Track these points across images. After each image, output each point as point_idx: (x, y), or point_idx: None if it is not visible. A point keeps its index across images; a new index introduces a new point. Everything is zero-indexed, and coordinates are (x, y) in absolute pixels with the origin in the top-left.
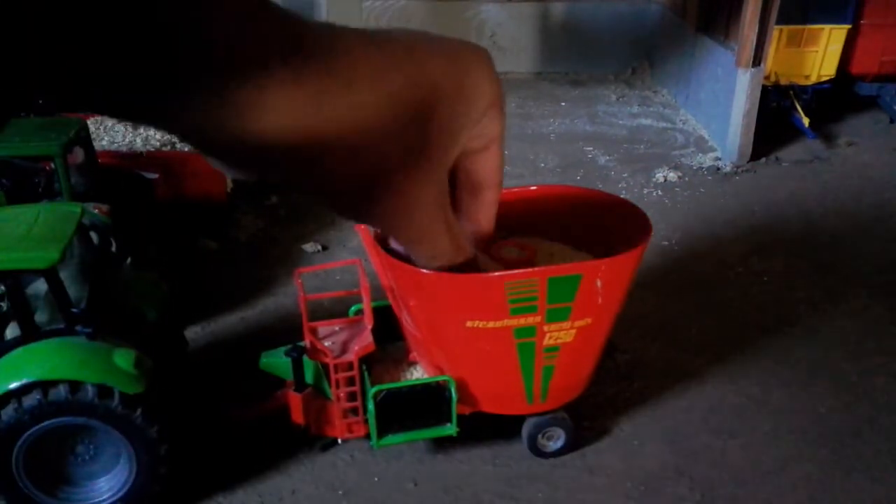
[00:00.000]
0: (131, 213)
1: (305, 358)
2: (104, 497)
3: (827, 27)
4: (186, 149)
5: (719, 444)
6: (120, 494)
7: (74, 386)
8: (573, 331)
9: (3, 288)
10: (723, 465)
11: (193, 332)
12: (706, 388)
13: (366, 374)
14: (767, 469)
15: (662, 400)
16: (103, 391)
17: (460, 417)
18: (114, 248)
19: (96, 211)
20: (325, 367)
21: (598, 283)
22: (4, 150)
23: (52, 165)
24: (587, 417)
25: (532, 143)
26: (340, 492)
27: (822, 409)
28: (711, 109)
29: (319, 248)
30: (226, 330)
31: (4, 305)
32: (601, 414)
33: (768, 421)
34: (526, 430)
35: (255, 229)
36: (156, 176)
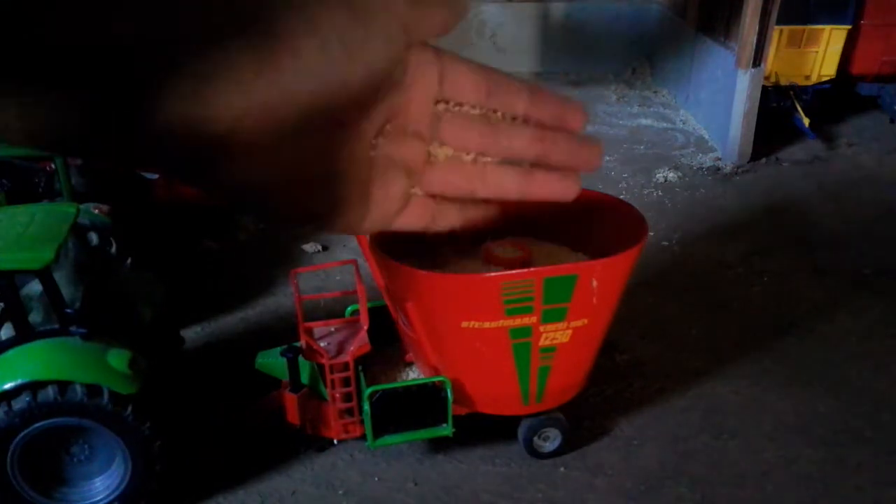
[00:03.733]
0: (131, 213)
1: (301, 358)
2: (100, 497)
3: (827, 27)
4: None
5: (719, 444)
6: (116, 493)
7: (64, 386)
8: (569, 331)
9: None
10: (723, 465)
11: (193, 332)
12: (706, 388)
13: (361, 374)
14: (767, 469)
15: (662, 400)
16: (93, 391)
17: (457, 418)
18: (114, 249)
19: (96, 211)
20: (321, 367)
21: (594, 284)
22: (4, 151)
23: (53, 166)
24: (587, 417)
25: None
26: (341, 492)
27: (822, 409)
28: (711, 110)
29: (319, 248)
30: (226, 330)
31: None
32: (601, 414)
33: (768, 421)
34: (522, 430)
35: (255, 229)
36: (156, 176)
